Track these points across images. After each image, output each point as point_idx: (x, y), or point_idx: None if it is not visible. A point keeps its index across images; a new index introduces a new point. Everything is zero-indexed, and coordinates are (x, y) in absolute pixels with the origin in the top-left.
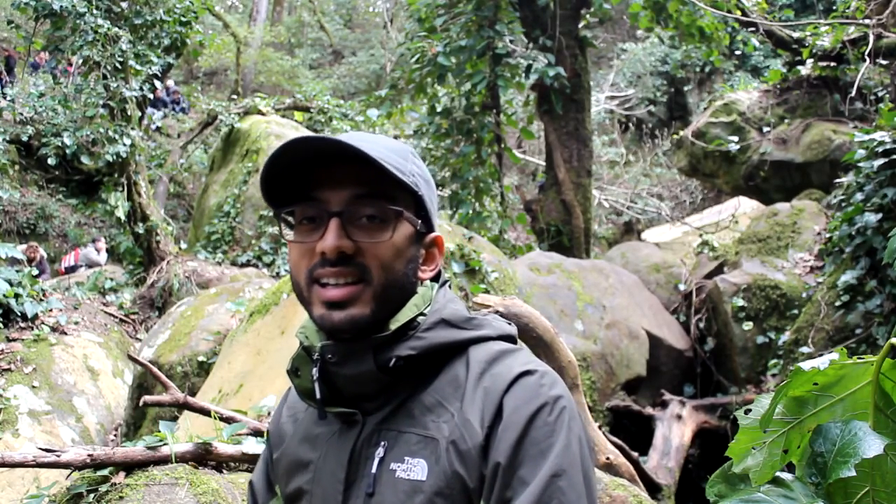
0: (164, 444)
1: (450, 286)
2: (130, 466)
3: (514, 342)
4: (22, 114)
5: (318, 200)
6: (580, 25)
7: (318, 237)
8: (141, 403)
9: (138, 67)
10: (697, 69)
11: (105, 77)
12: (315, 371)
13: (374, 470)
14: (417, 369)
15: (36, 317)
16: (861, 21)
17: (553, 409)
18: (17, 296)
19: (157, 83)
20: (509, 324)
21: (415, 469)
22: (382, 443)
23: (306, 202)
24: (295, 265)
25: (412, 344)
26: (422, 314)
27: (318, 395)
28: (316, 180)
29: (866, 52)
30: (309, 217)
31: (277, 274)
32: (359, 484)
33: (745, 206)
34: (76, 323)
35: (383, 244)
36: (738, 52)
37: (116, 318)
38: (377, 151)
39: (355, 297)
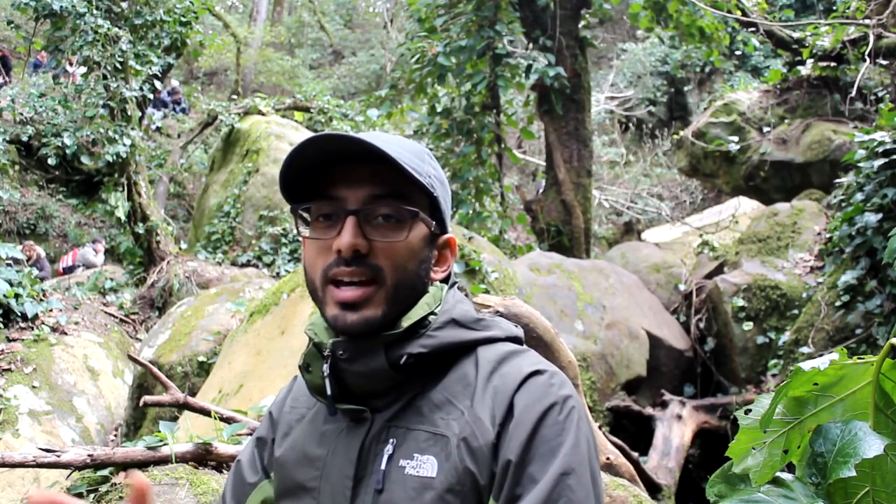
0: (165, 445)
1: (459, 287)
2: (130, 466)
3: (522, 343)
4: (22, 114)
5: (336, 198)
6: (580, 25)
7: (334, 234)
8: (141, 403)
9: (138, 67)
10: (697, 69)
11: (105, 77)
12: (326, 367)
13: (383, 467)
14: (427, 368)
15: (36, 317)
16: (861, 21)
17: (563, 408)
18: (17, 296)
19: (158, 83)
20: (516, 326)
21: (424, 466)
22: (391, 440)
23: (323, 199)
24: (310, 263)
25: (423, 342)
26: (432, 313)
27: (328, 392)
28: (333, 178)
29: (866, 52)
30: (325, 214)
31: (277, 274)
32: (368, 481)
33: (745, 206)
34: (76, 323)
35: (398, 244)
36: (738, 52)
37: (116, 318)
38: (396, 152)
39: (368, 299)
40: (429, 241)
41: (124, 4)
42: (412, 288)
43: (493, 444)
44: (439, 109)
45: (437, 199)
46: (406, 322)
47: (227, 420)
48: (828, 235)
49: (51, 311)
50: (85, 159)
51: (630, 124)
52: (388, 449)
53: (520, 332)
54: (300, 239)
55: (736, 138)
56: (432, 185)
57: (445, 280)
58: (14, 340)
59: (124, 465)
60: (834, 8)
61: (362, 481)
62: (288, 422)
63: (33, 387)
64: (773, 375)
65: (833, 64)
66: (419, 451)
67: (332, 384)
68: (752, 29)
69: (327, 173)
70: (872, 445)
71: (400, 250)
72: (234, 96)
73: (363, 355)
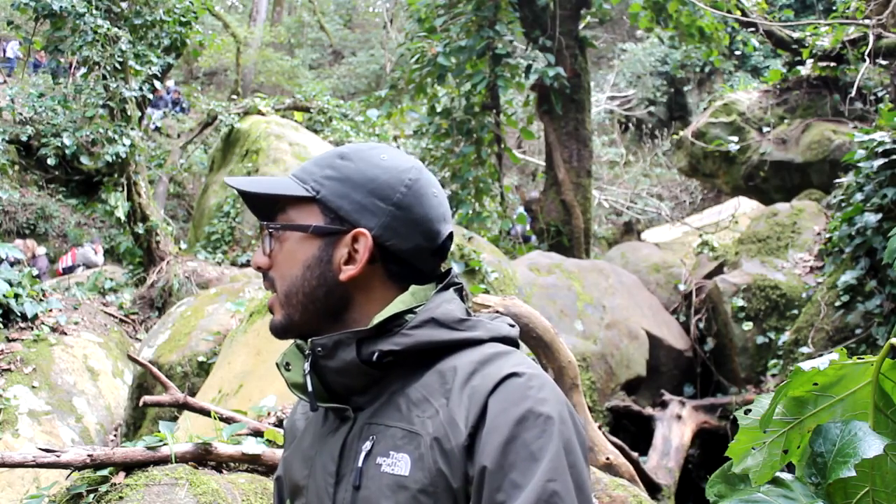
0: (164, 445)
1: (458, 290)
2: (130, 466)
3: (515, 344)
4: (21, 114)
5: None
6: (580, 25)
7: None
8: (141, 403)
9: (138, 67)
10: (697, 69)
11: (105, 77)
12: (307, 365)
13: (360, 464)
14: (407, 365)
15: (36, 317)
16: (861, 21)
17: (540, 412)
18: (17, 296)
19: (158, 83)
20: (511, 326)
21: (398, 464)
22: (371, 437)
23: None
24: None
25: (396, 340)
26: (411, 312)
27: (309, 388)
28: None
29: (866, 52)
30: None
31: None
32: (348, 478)
33: (745, 206)
34: (76, 323)
35: (280, 256)
36: (738, 53)
37: (116, 318)
38: (268, 182)
39: (273, 305)
40: (315, 243)
41: (124, 4)
42: (304, 292)
43: (465, 446)
44: (439, 109)
45: (320, 200)
46: (376, 319)
47: (227, 420)
48: (827, 235)
49: (50, 311)
50: (84, 159)
51: (630, 124)
52: (367, 446)
53: (511, 332)
54: None
55: (736, 138)
56: (314, 187)
57: (441, 279)
58: (14, 340)
59: (124, 465)
60: (834, 8)
61: (343, 478)
62: (298, 427)
63: (33, 387)
64: (773, 375)
65: (833, 64)
66: (395, 449)
67: (313, 380)
68: (752, 29)
69: None
70: (872, 445)
71: (282, 260)
72: (234, 96)
73: (337, 351)
